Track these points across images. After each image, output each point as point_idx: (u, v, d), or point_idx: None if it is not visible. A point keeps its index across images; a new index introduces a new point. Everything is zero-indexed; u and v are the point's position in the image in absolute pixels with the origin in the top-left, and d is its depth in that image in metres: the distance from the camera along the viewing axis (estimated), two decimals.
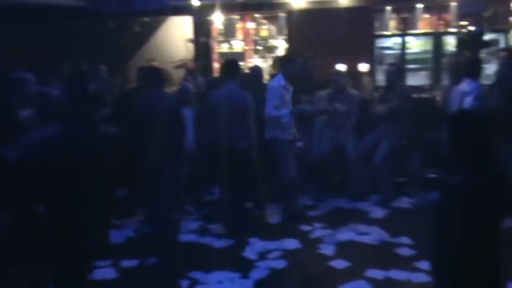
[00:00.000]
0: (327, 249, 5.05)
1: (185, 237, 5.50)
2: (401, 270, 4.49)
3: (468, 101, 5.17)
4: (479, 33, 7.06)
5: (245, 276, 4.58)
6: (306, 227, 5.63)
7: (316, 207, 6.28)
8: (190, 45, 9.60)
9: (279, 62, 5.69)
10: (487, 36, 7.52)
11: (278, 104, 5.53)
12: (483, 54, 7.67)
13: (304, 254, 5.04)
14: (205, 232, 5.64)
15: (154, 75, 5.74)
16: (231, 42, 9.62)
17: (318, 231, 5.53)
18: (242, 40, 9.49)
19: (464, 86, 5.28)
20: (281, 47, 9.43)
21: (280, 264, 4.80)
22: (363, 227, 5.53)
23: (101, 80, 7.01)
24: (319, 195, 6.51)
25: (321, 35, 8.42)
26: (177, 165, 5.75)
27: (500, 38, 8.34)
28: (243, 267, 4.73)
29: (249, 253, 5.05)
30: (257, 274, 4.61)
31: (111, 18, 9.30)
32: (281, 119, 5.57)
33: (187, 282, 4.49)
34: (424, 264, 4.52)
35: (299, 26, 8.70)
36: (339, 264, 4.72)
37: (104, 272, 4.74)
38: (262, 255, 4.98)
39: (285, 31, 9.23)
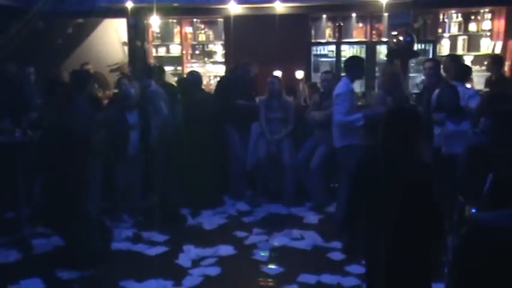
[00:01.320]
0: (261, 255, 5.07)
1: (118, 245, 5.35)
2: (332, 275, 4.58)
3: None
4: (408, 44, 7.34)
5: (178, 283, 4.52)
6: (241, 233, 5.64)
7: (252, 213, 6.31)
8: (126, 49, 9.43)
9: (345, 66, 5.56)
10: (416, 47, 7.83)
11: (349, 109, 5.37)
12: (412, 63, 8.00)
13: (238, 260, 5.03)
14: (138, 240, 5.54)
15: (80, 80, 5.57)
16: (168, 46, 9.53)
17: (253, 237, 5.55)
18: (179, 44, 9.42)
19: (463, 89, 5.46)
20: (219, 52, 9.44)
21: (214, 271, 4.77)
22: (297, 233, 5.60)
23: (29, 83, 6.73)
24: (254, 201, 6.54)
25: (258, 41, 8.49)
26: (108, 171, 5.63)
27: (429, 48, 8.72)
28: (176, 274, 4.67)
29: (183, 260, 4.99)
30: (190, 281, 4.56)
31: (41, 19, 8.96)
32: (354, 124, 5.39)
33: None
34: (355, 268, 4.65)
35: (236, 32, 8.72)
36: (272, 270, 4.76)
37: (29, 283, 4.55)
38: (196, 263, 4.94)
39: (223, 36, 9.24)
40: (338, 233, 5.25)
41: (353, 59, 5.82)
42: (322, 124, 6.30)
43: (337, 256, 5.00)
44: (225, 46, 9.19)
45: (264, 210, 6.35)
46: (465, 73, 5.88)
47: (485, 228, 2.05)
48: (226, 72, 8.67)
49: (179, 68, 9.37)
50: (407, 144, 2.75)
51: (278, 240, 5.43)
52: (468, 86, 6.62)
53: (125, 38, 9.47)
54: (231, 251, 5.19)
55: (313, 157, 6.30)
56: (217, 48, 9.48)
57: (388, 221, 2.67)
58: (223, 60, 9.25)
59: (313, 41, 9.05)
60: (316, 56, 9.04)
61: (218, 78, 8.17)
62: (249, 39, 8.58)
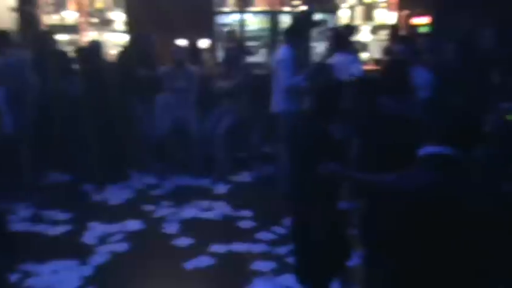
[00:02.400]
0: (171, 228, 5.02)
1: (15, 226, 5.01)
2: (242, 243, 4.64)
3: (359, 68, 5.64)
4: (309, 14, 7.47)
5: (84, 262, 4.35)
6: (149, 207, 5.52)
7: (160, 185, 6.19)
8: (15, 15, 8.70)
9: (286, 34, 5.57)
10: (317, 17, 7.98)
11: (293, 73, 5.30)
12: (313, 33, 8.14)
13: (147, 234, 4.94)
14: (38, 219, 5.23)
15: None
16: (62, 13, 8.93)
17: (161, 210, 5.46)
18: (75, 11, 8.85)
19: (344, 57, 5.64)
20: (119, 20, 9.01)
21: (122, 247, 4.64)
22: (206, 203, 5.59)
23: None
24: (162, 174, 6.42)
25: (161, 9, 8.20)
26: None
27: (329, 18, 8.93)
28: (82, 253, 4.49)
29: (89, 238, 4.81)
30: (97, 259, 4.41)
31: None
32: (299, 84, 5.25)
33: (17, 276, 4.12)
34: (264, 235, 4.75)
35: None
36: (183, 241, 4.72)
37: None
38: (103, 240, 4.78)
39: (123, 3, 8.82)
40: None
41: (292, 27, 5.89)
42: (229, 93, 6.31)
43: (246, 224, 5.07)
44: (126, 14, 8.78)
45: (171, 182, 6.25)
46: (346, 41, 6.14)
47: (383, 192, 2.14)
48: (128, 41, 8.30)
49: (76, 36, 8.82)
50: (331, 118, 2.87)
51: (187, 212, 5.40)
52: (366, 55, 6.88)
53: (13, 3, 8.73)
54: (139, 226, 5.08)
55: (218, 126, 6.29)
56: (117, 16, 9.03)
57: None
58: (123, 28, 8.84)
59: (216, 9, 8.90)
60: (220, 25, 8.92)
61: (119, 48, 7.81)
62: (151, 7, 8.25)
